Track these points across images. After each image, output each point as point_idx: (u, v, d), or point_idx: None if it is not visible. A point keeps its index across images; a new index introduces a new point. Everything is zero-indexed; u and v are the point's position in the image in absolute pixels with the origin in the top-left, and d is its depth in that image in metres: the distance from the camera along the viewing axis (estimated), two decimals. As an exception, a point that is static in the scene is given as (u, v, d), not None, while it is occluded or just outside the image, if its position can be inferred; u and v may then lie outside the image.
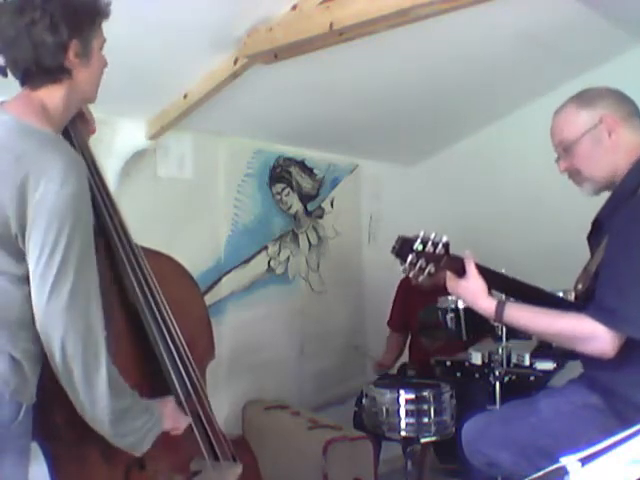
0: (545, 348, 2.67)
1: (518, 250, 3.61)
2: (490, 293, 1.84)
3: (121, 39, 1.79)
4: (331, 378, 3.78)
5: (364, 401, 2.83)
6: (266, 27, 2.46)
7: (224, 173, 3.36)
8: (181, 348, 1.78)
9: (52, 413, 1.55)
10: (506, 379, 2.69)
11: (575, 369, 1.99)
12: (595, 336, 1.64)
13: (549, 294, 1.95)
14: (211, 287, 3.24)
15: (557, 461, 0.94)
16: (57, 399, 1.47)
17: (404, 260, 1.81)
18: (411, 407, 2.68)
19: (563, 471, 0.92)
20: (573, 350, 1.75)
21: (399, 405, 2.68)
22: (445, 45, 2.91)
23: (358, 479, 2.84)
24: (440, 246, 1.83)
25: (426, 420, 2.68)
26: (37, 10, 1.42)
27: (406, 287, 3.62)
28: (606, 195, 1.85)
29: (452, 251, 1.86)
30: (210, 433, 1.83)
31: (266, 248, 3.56)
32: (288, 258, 3.68)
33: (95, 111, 1.84)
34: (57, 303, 1.38)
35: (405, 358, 3.68)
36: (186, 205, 3.17)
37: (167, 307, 1.77)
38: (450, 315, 2.72)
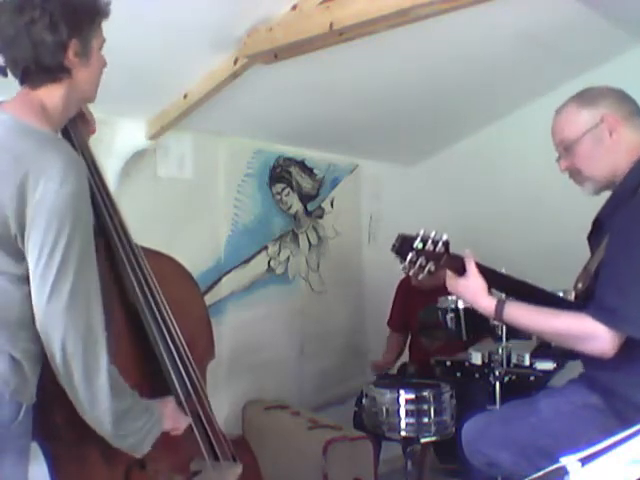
0: (545, 348, 2.67)
1: (518, 250, 3.61)
2: (490, 292, 1.84)
3: (121, 39, 1.79)
4: (331, 378, 3.78)
5: (364, 401, 2.83)
6: (266, 27, 2.46)
7: (224, 173, 3.36)
8: (181, 348, 1.78)
9: (52, 413, 1.55)
10: (506, 379, 2.69)
11: (575, 369, 1.99)
12: (595, 335, 1.64)
13: (549, 293, 1.95)
14: (211, 287, 3.24)
15: (557, 461, 0.94)
16: (57, 399, 1.47)
17: (404, 258, 1.81)
18: (411, 407, 2.68)
19: (563, 471, 0.92)
20: (573, 349, 1.75)
21: (399, 405, 2.68)
22: (445, 45, 2.91)
23: (358, 479, 2.84)
24: (440, 244, 1.83)
25: (426, 420, 2.68)
26: (37, 9, 1.42)
27: (406, 287, 3.62)
28: (606, 195, 1.85)
29: (452, 252, 1.86)
30: (210, 433, 1.83)
31: (266, 248, 3.56)
32: (288, 258, 3.68)
33: (95, 111, 1.84)
34: (57, 303, 1.38)
35: (405, 358, 3.68)
36: (186, 205, 3.17)
37: (167, 307, 1.77)
38: (450, 315, 2.72)
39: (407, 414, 2.68)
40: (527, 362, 2.66)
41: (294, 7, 2.45)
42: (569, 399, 1.85)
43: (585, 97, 1.84)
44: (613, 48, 3.43)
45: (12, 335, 1.42)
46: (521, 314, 1.79)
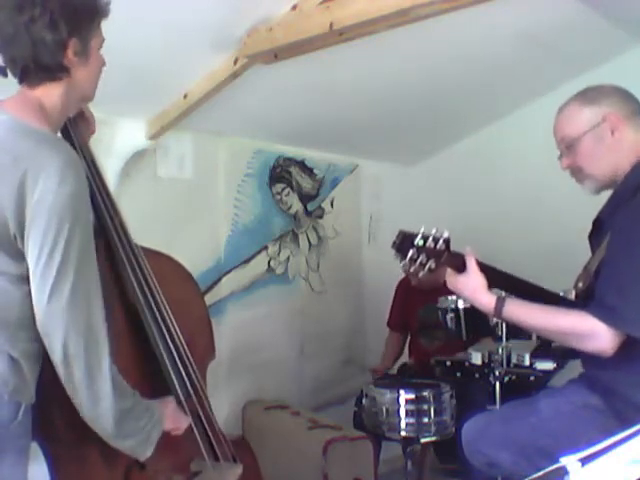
0: (545, 348, 2.67)
1: (518, 250, 3.61)
2: (490, 290, 1.84)
3: (121, 39, 1.79)
4: (331, 378, 3.79)
5: (364, 401, 2.82)
6: (266, 27, 2.46)
7: (224, 173, 3.36)
8: (181, 348, 1.78)
9: (52, 413, 1.55)
10: (506, 379, 2.69)
11: (575, 369, 1.99)
12: (594, 334, 1.64)
13: (549, 292, 1.95)
14: (211, 287, 3.24)
15: (557, 461, 0.94)
16: (57, 399, 1.47)
17: (404, 255, 1.80)
18: (411, 407, 2.68)
19: (563, 471, 0.92)
20: (572, 348, 1.75)
21: (399, 405, 2.68)
22: (445, 45, 2.91)
23: (358, 479, 2.84)
24: (441, 242, 1.82)
25: (426, 420, 2.68)
26: (37, 7, 1.42)
27: (406, 287, 3.62)
28: (606, 195, 1.85)
29: (452, 249, 1.86)
30: (210, 433, 1.83)
31: (266, 248, 3.56)
32: (288, 258, 3.68)
33: (95, 111, 1.84)
34: (58, 303, 1.37)
35: (405, 358, 3.68)
36: (186, 205, 3.17)
37: (167, 307, 1.77)
38: (450, 315, 2.72)
39: (407, 414, 2.68)
40: (527, 362, 2.66)
41: (294, 7, 2.45)
42: (569, 399, 1.86)
43: (588, 95, 1.84)
44: (613, 48, 3.43)
45: (12, 335, 1.42)
46: (521, 312, 1.79)
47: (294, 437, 3.02)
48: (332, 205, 3.94)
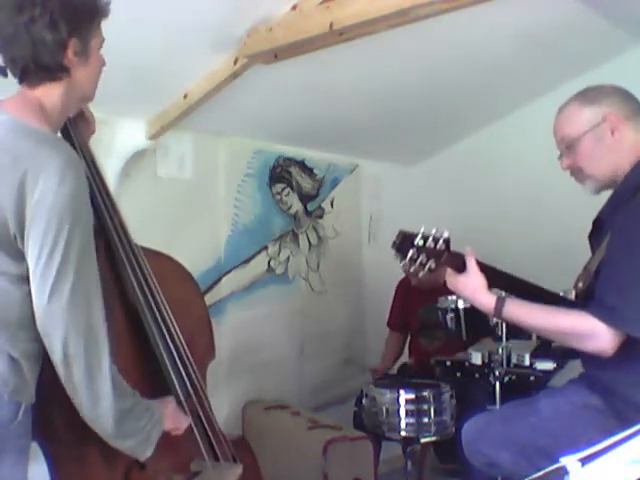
0: (545, 348, 2.67)
1: (518, 250, 3.61)
2: (490, 291, 1.84)
3: (121, 39, 1.79)
4: (331, 378, 3.79)
5: (364, 401, 2.82)
6: (266, 27, 2.46)
7: (224, 173, 3.36)
8: (181, 348, 1.78)
9: (52, 413, 1.55)
10: (506, 379, 2.69)
11: (575, 369, 1.99)
12: (594, 333, 1.64)
13: (549, 292, 1.95)
14: (211, 287, 3.24)
15: (557, 461, 0.94)
16: (57, 399, 1.47)
17: (404, 255, 1.80)
18: (411, 407, 2.68)
19: (563, 471, 0.92)
20: (572, 348, 1.75)
21: (399, 405, 2.68)
22: (445, 45, 2.91)
23: (358, 479, 2.84)
24: (441, 242, 1.82)
25: (426, 420, 2.68)
26: (37, 7, 1.41)
27: (405, 287, 3.62)
28: (606, 195, 1.85)
29: (452, 249, 1.86)
30: (210, 433, 1.83)
31: (266, 248, 3.56)
32: (288, 258, 3.68)
33: (95, 111, 1.84)
34: (58, 303, 1.37)
35: (405, 358, 3.68)
36: (186, 205, 3.17)
37: (167, 307, 1.77)
38: (450, 315, 2.72)
39: (407, 414, 2.68)
40: (527, 362, 2.66)
41: (294, 7, 2.45)
42: (569, 399, 1.85)
43: (588, 95, 1.84)
44: (613, 48, 3.43)
45: (12, 335, 1.42)
46: (521, 311, 1.79)
47: (294, 437, 3.02)
48: (332, 205, 3.94)
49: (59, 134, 1.63)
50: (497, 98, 3.74)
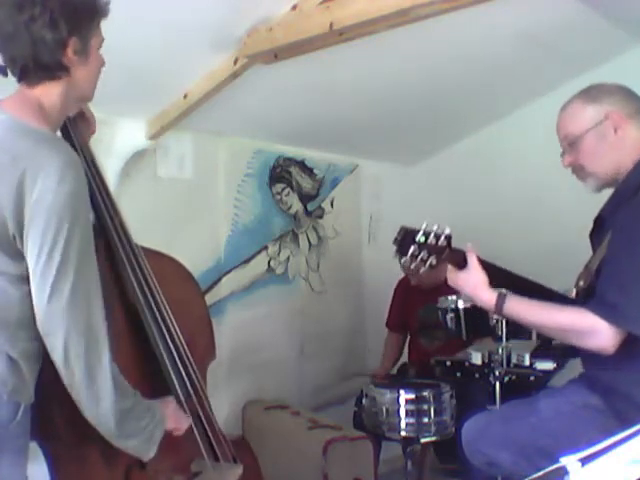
0: (545, 348, 2.66)
1: (518, 250, 3.60)
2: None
3: (121, 39, 1.79)
4: (331, 378, 3.78)
5: (364, 401, 2.82)
6: (266, 27, 2.46)
7: (224, 173, 3.36)
8: (181, 348, 1.78)
9: (52, 412, 1.55)
10: (506, 379, 2.69)
11: (575, 369, 1.99)
12: (595, 331, 1.63)
13: (550, 290, 1.94)
14: (211, 287, 3.24)
15: (557, 461, 0.94)
16: (57, 399, 1.47)
17: (406, 251, 1.80)
18: (411, 407, 2.68)
19: (563, 471, 0.92)
20: (573, 345, 1.75)
21: (399, 405, 2.68)
22: (445, 45, 2.91)
23: (358, 479, 2.84)
24: (442, 238, 1.82)
25: (426, 420, 2.68)
26: (37, 6, 1.41)
27: (405, 287, 3.62)
28: (607, 195, 1.85)
29: (454, 246, 1.85)
30: (210, 434, 1.83)
31: (266, 248, 3.56)
32: (288, 258, 3.68)
33: (95, 111, 1.84)
34: (58, 302, 1.37)
35: (405, 358, 3.68)
36: (186, 205, 3.17)
37: (167, 307, 1.77)
38: (450, 315, 2.72)
39: (407, 414, 2.68)
40: (527, 362, 2.66)
41: (294, 7, 2.45)
42: (569, 399, 1.85)
43: (591, 93, 1.84)
44: (613, 48, 3.43)
45: (11, 335, 1.42)
46: (522, 308, 1.79)
47: (294, 437, 3.02)
48: (332, 205, 3.94)
49: (59, 134, 1.63)
50: (497, 98, 3.74)
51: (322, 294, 3.85)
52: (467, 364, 2.81)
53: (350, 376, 3.64)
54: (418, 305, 3.48)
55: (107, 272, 1.65)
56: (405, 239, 1.80)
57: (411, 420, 2.68)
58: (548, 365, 2.66)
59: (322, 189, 3.87)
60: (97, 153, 1.83)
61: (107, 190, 1.79)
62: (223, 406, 3.08)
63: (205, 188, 3.28)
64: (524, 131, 3.78)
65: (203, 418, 1.81)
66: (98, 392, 1.42)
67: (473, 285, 1.82)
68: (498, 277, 1.86)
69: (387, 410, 2.69)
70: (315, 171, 3.83)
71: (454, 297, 2.69)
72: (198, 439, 1.78)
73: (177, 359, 1.76)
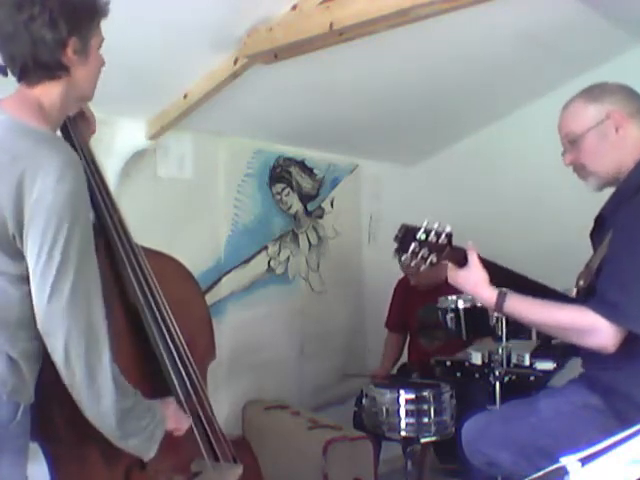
0: (545, 348, 2.66)
1: (518, 250, 3.59)
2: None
3: (121, 39, 1.79)
4: (331, 378, 3.78)
5: (364, 401, 2.82)
6: (266, 27, 2.46)
7: (224, 173, 3.36)
8: (181, 348, 1.78)
9: (52, 411, 1.55)
10: (506, 379, 2.69)
11: (575, 369, 1.99)
12: (596, 329, 1.63)
13: (551, 289, 1.94)
14: (211, 287, 3.24)
15: (557, 461, 0.94)
16: (57, 399, 1.47)
17: (406, 248, 1.79)
18: (411, 407, 2.68)
19: (563, 471, 0.92)
20: (573, 345, 1.75)
21: (399, 405, 2.68)
22: (445, 45, 2.91)
23: (358, 479, 2.84)
24: (443, 236, 1.82)
25: (426, 420, 2.68)
26: (36, 6, 1.41)
27: (404, 287, 3.62)
28: (608, 194, 1.85)
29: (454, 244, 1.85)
30: (210, 434, 1.83)
31: (266, 248, 3.56)
32: (288, 258, 3.68)
33: (95, 111, 1.84)
34: (58, 302, 1.37)
35: (405, 358, 3.68)
36: (186, 205, 3.17)
37: (167, 307, 1.77)
38: (450, 315, 2.72)
39: (407, 414, 2.68)
40: (527, 362, 2.66)
41: (294, 7, 2.45)
42: (569, 399, 1.85)
43: (593, 92, 1.85)
44: (613, 48, 3.43)
45: (11, 335, 1.42)
46: (522, 306, 1.78)
47: (294, 437, 3.02)
48: (332, 205, 3.94)
49: (60, 133, 1.63)
50: (497, 98, 3.74)
51: (322, 294, 3.85)
52: (467, 364, 2.81)
53: (349, 377, 3.63)
54: (418, 305, 3.48)
55: (107, 271, 1.65)
56: (406, 236, 1.79)
57: (411, 420, 2.68)
58: (548, 365, 2.66)
59: (322, 189, 3.87)
60: (97, 153, 1.82)
61: (107, 189, 1.79)
62: (223, 406, 3.08)
63: (205, 188, 3.28)
64: (524, 131, 3.78)
65: (203, 418, 1.81)
66: (99, 391, 1.42)
67: (473, 283, 1.82)
68: (498, 275, 1.86)
69: (387, 410, 2.69)
70: (315, 171, 3.83)
71: (454, 297, 2.69)
72: (198, 439, 1.77)
73: (177, 359, 1.76)
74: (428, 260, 1.80)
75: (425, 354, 3.35)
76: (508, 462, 1.87)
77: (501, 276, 1.88)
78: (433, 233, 1.80)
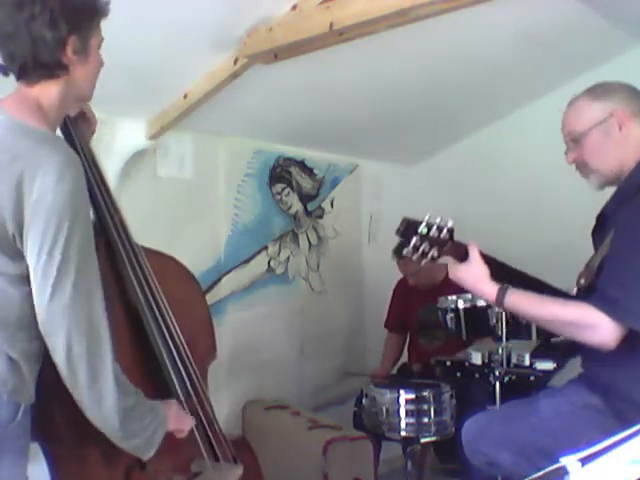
0: (545, 348, 2.66)
1: (518, 250, 3.57)
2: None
3: (121, 39, 1.79)
4: (331, 378, 3.78)
5: (364, 401, 2.82)
6: (266, 27, 2.46)
7: (224, 173, 3.36)
8: (181, 348, 1.78)
9: (53, 411, 1.55)
10: (506, 379, 2.69)
11: (575, 369, 1.99)
12: (596, 325, 1.63)
13: (551, 286, 1.93)
14: (211, 287, 3.24)
15: (557, 461, 0.94)
16: (57, 399, 1.47)
17: (408, 242, 1.79)
18: (411, 407, 2.68)
19: (563, 471, 0.92)
20: (573, 344, 1.75)
21: (399, 405, 2.68)
22: (445, 45, 2.91)
23: (358, 479, 2.84)
24: (445, 231, 1.81)
25: (426, 420, 2.68)
26: (36, 5, 1.41)
27: (404, 287, 3.62)
28: (608, 194, 1.85)
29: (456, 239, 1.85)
30: (210, 434, 1.83)
31: (266, 248, 3.56)
32: (288, 258, 3.68)
33: (95, 111, 1.84)
34: (59, 302, 1.37)
35: (405, 358, 3.68)
36: (186, 205, 3.17)
37: (167, 307, 1.77)
38: (450, 315, 2.72)
39: (407, 414, 2.68)
40: (527, 362, 2.66)
41: (294, 7, 2.45)
42: (569, 399, 1.85)
43: (597, 91, 1.85)
44: (613, 48, 3.43)
45: (11, 335, 1.42)
46: (523, 302, 1.78)
47: (294, 437, 3.02)
48: (332, 205, 3.94)
49: (60, 133, 1.63)
50: (497, 98, 3.74)
51: (322, 294, 3.85)
52: (467, 364, 2.81)
53: (350, 375, 3.63)
54: (417, 305, 3.48)
55: (107, 271, 1.65)
56: (407, 230, 1.78)
57: (411, 420, 2.68)
58: (548, 365, 2.66)
59: (322, 189, 3.87)
60: (97, 153, 1.83)
61: (107, 189, 1.79)
62: (223, 406, 3.08)
63: (205, 188, 3.28)
64: (524, 131, 3.78)
65: (203, 418, 1.81)
66: (101, 392, 1.42)
67: (474, 278, 1.82)
68: (499, 271, 1.86)
69: (387, 410, 2.69)
70: (315, 171, 3.83)
71: (454, 297, 2.69)
72: (198, 439, 1.77)
73: (177, 359, 1.76)
74: (429, 254, 1.79)
75: (425, 354, 3.35)
76: (508, 462, 1.87)
77: (502, 272, 1.87)
78: (435, 227, 1.79)
